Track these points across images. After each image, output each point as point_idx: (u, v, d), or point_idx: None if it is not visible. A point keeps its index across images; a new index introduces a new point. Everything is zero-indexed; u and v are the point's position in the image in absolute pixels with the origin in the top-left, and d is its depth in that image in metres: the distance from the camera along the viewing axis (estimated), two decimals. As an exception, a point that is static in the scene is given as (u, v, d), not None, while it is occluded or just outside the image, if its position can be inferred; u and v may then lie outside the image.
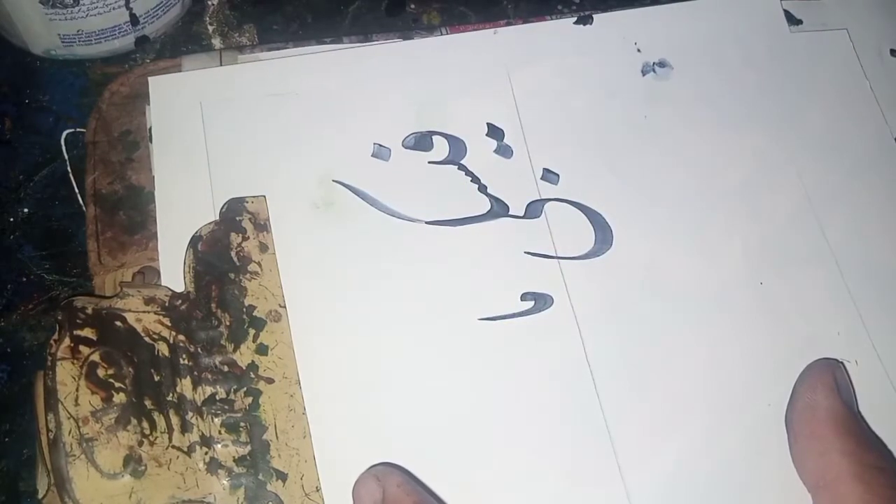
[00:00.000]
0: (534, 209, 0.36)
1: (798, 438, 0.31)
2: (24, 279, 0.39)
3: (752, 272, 0.35)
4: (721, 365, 0.33)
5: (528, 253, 0.35)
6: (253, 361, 0.32)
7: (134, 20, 0.44)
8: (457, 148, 0.38)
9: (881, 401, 0.33)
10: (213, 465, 0.30)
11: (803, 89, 0.40)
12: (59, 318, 0.31)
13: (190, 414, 0.30)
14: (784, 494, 0.30)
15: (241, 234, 0.34)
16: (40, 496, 0.30)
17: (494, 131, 0.38)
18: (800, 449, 0.30)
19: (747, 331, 0.34)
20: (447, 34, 0.41)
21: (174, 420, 0.30)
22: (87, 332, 0.31)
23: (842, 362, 0.33)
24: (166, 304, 0.32)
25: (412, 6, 0.48)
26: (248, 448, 0.30)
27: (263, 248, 0.34)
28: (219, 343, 0.32)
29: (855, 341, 0.34)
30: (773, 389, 0.32)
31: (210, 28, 0.47)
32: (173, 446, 0.30)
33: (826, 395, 0.30)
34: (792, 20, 0.42)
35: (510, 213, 0.36)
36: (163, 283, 0.34)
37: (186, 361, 0.31)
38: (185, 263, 0.33)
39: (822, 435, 0.30)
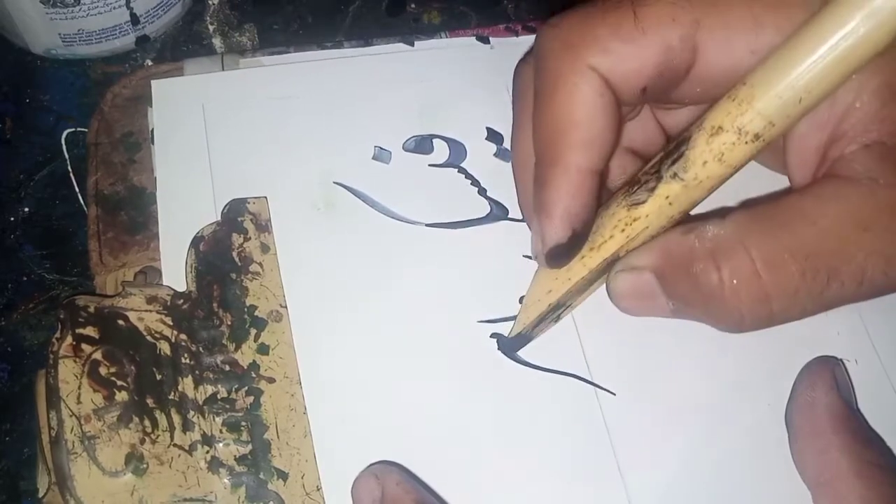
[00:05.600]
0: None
1: (798, 436, 0.31)
2: (25, 278, 0.39)
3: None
4: (720, 365, 0.34)
5: (527, 256, 0.35)
6: (254, 361, 0.32)
7: (134, 20, 0.44)
8: (457, 151, 0.38)
9: (880, 400, 0.33)
10: (215, 464, 0.30)
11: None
12: (62, 316, 0.31)
13: (191, 413, 0.31)
14: (784, 493, 0.31)
15: (242, 235, 0.34)
16: (41, 495, 0.30)
17: (494, 136, 0.38)
18: (799, 446, 0.31)
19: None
20: (447, 37, 0.42)
21: (176, 419, 0.30)
22: (90, 331, 0.31)
23: (841, 360, 0.33)
24: (168, 304, 0.32)
25: (413, 6, 0.48)
26: (249, 447, 0.30)
27: (265, 248, 0.34)
28: (220, 342, 0.32)
29: (854, 340, 0.34)
30: (772, 389, 0.33)
31: (210, 28, 0.47)
32: (175, 445, 0.30)
33: (825, 392, 0.31)
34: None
35: (509, 216, 0.36)
36: (164, 283, 0.34)
37: (188, 360, 0.31)
38: (186, 263, 0.33)
39: (822, 432, 0.30)
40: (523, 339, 0.33)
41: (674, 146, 0.30)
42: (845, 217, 0.28)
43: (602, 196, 0.32)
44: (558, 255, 0.31)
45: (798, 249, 0.27)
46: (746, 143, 0.28)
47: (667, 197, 0.30)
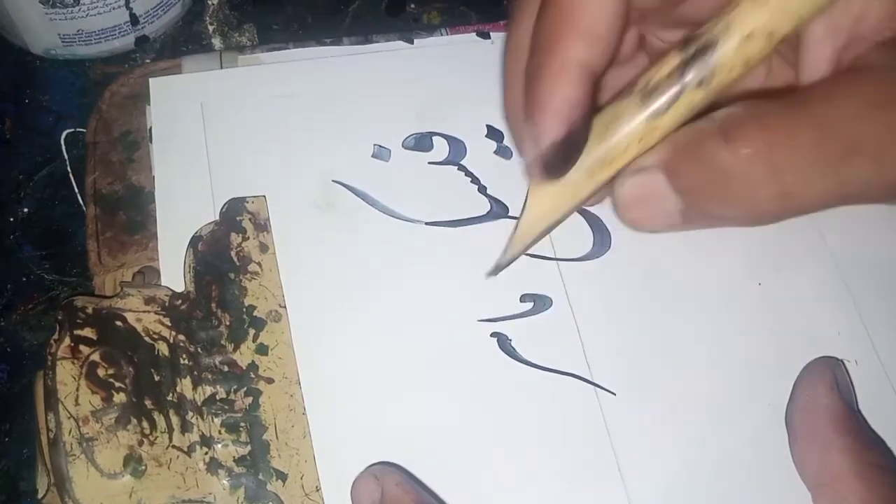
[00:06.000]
0: (533, 210, 0.36)
1: (798, 437, 0.31)
2: (24, 279, 0.39)
3: (750, 273, 0.35)
4: (721, 365, 0.33)
5: (528, 254, 0.35)
6: (253, 361, 0.32)
7: (134, 20, 0.44)
8: (457, 149, 0.38)
9: (881, 400, 0.33)
10: (213, 465, 0.30)
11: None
12: (60, 317, 0.31)
13: (190, 414, 0.30)
14: (784, 494, 0.30)
15: (241, 234, 0.34)
16: (40, 496, 0.30)
17: (494, 133, 0.38)
18: (800, 447, 0.30)
19: (747, 331, 0.34)
20: (447, 35, 0.41)
21: (174, 420, 0.30)
22: (88, 332, 0.31)
23: (841, 361, 0.33)
24: (166, 304, 0.32)
25: (412, 6, 0.48)
26: (248, 448, 0.30)
27: (263, 248, 0.34)
28: (219, 343, 0.32)
29: (855, 341, 0.34)
30: (773, 389, 0.32)
31: (210, 28, 0.47)
32: (173, 446, 0.30)
33: (825, 392, 0.30)
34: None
35: (510, 214, 0.36)
36: (163, 283, 0.34)
37: (186, 361, 0.31)
38: (185, 263, 0.33)
39: (822, 433, 0.30)
40: (511, 261, 0.32)
41: (695, 52, 0.28)
42: (861, 95, 0.27)
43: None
44: (555, 161, 0.29)
45: (813, 121, 0.26)
46: (773, 46, 0.27)
47: (689, 105, 0.28)
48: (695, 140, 0.27)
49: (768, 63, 0.33)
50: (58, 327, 0.31)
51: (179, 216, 0.35)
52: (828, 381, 0.31)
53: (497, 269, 0.32)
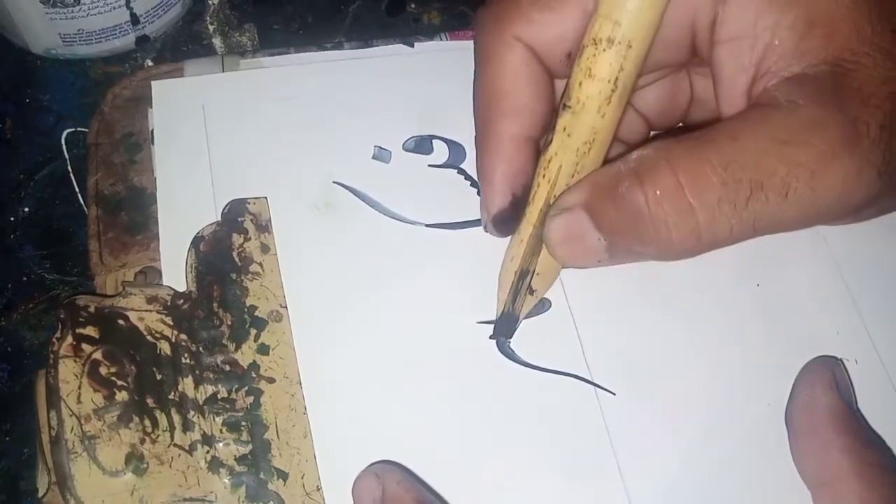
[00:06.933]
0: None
1: (798, 436, 0.31)
2: (25, 278, 0.40)
3: (749, 273, 0.35)
4: (720, 365, 0.33)
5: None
6: (254, 361, 0.32)
7: (134, 20, 0.44)
8: (456, 152, 0.38)
9: (880, 400, 0.33)
10: (215, 464, 0.30)
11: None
12: (62, 316, 0.31)
13: (191, 412, 0.30)
14: (784, 494, 0.31)
15: (242, 235, 0.34)
16: (41, 495, 0.30)
17: None
18: (799, 446, 0.30)
19: (746, 331, 0.34)
20: (446, 39, 0.42)
21: (176, 418, 0.30)
22: (90, 331, 0.31)
23: (840, 360, 0.33)
24: (168, 304, 0.32)
25: (412, 6, 0.48)
26: (250, 447, 0.30)
27: (265, 248, 0.34)
28: (220, 342, 0.32)
29: (854, 340, 0.34)
30: (772, 389, 0.32)
31: (210, 28, 0.47)
32: (175, 444, 0.30)
33: (825, 391, 0.30)
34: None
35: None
36: (164, 283, 0.34)
37: (188, 360, 0.31)
38: (186, 264, 0.33)
39: (822, 432, 0.30)
40: (510, 319, 0.33)
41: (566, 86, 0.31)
42: (766, 133, 0.28)
43: None
44: (504, 221, 0.33)
45: (718, 161, 0.28)
46: (604, 50, 0.29)
47: (564, 129, 0.31)
48: (613, 181, 0.29)
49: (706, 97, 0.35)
50: (60, 326, 0.31)
51: (181, 217, 0.35)
52: (826, 381, 0.31)
53: (498, 333, 0.34)
